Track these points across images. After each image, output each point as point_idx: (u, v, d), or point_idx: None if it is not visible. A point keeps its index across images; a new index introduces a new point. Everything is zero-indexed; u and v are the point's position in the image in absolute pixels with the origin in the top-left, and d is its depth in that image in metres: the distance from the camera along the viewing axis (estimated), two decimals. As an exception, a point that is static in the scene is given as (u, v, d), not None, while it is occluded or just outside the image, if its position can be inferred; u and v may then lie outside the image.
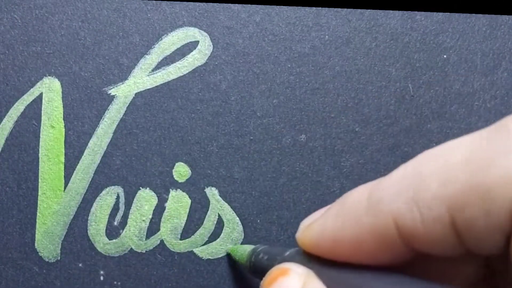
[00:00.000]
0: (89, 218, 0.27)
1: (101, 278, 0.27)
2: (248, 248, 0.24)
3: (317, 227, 0.16)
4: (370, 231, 0.15)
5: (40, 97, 0.27)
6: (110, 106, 0.27)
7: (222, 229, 0.27)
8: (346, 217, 0.15)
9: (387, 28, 0.27)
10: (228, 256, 0.27)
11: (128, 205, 0.27)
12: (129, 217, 0.27)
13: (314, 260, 0.17)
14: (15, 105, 0.27)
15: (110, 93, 0.27)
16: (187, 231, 0.27)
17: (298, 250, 0.18)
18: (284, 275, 0.17)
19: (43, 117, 0.27)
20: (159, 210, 0.27)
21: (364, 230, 0.15)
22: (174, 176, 0.27)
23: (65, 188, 0.27)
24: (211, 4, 0.27)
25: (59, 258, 0.27)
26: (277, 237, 0.27)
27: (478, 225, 0.13)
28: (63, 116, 0.27)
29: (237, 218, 0.27)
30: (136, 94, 0.27)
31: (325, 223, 0.16)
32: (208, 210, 0.27)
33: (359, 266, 0.15)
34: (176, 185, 0.27)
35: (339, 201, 0.16)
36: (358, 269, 0.15)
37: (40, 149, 0.27)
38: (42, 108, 0.27)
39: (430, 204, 0.13)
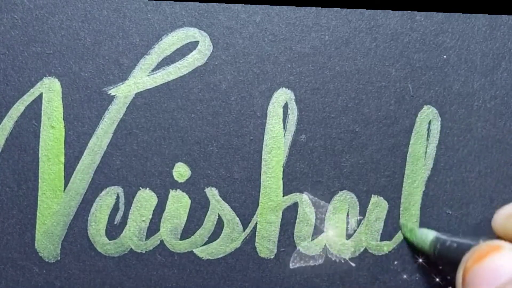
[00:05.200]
0: (89, 218, 0.27)
1: (101, 278, 0.27)
2: (429, 233, 0.24)
3: None
4: None
5: (40, 97, 0.27)
6: (110, 106, 0.27)
7: (222, 229, 0.27)
8: None
9: (387, 28, 0.27)
10: (404, 237, 0.27)
11: (128, 205, 0.27)
12: (129, 217, 0.27)
13: None
14: (15, 105, 0.27)
15: (110, 93, 0.27)
16: (187, 231, 0.27)
17: (493, 239, 0.18)
18: (496, 251, 0.16)
19: (43, 117, 0.27)
20: (159, 210, 0.27)
21: None
22: (174, 176, 0.27)
23: (65, 188, 0.27)
24: (211, 4, 0.27)
25: (59, 258, 0.27)
26: (279, 238, 0.27)
27: None
28: (63, 116, 0.27)
29: (237, 218, 0.27)
30: (136, 94, 0.27)
31: None
32: (208, 210, 0.27)
33: None
34: (176, 185, 0.27)
35: None
36: None
37: (40, 149, 0.27)
38: (42, 108, 0.27)
39: None
